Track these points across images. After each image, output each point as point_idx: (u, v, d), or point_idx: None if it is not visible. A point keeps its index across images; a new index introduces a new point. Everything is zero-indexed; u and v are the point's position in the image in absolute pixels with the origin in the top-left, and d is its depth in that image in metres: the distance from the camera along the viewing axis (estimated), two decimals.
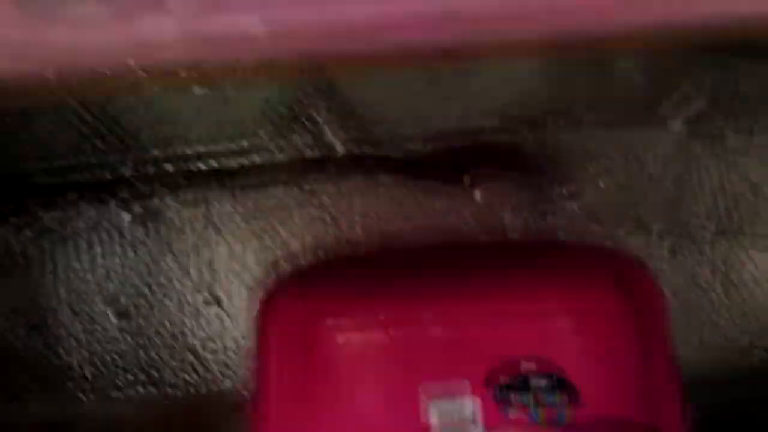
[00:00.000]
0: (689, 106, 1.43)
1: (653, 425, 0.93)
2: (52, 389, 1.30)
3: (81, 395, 1.30)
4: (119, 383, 1.33)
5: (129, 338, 1.34)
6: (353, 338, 0.93)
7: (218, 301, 1.37)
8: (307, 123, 1.40)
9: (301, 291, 1.03)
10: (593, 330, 0.93)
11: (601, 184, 1.42)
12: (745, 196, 1.44)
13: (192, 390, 1.34)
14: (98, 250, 1.35)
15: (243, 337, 1.36)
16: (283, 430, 0.96)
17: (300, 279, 1.18)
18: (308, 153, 1.40)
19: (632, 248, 1.40)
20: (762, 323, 1.44)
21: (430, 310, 0.94)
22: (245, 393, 1.36)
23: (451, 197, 1.41)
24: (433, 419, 0.87)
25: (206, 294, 1.37)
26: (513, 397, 0.87)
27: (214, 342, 1.36)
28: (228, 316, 1.37)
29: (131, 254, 1.36)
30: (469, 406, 0.87)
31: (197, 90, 1.34)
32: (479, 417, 0.86)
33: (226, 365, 1.36)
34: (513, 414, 0.87)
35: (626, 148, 1.43)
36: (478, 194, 1.43)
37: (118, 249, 1.36)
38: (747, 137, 1.43)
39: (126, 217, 1.35)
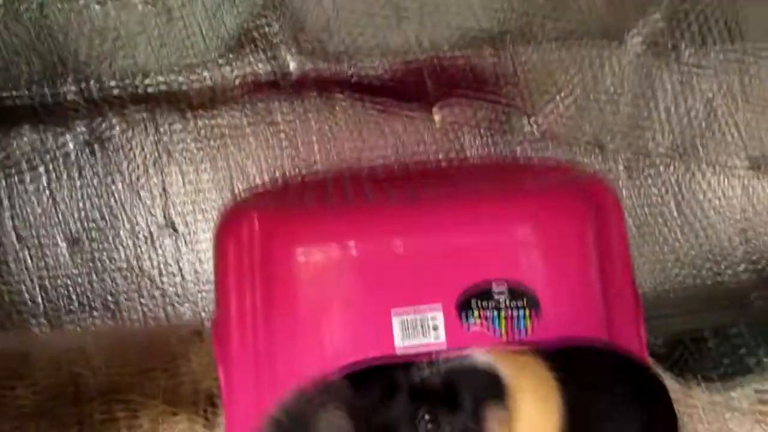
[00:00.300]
0: (646, 21, 1.42)
1: (611, 335, 0.95)
2: (3, 318, 1.26)
3: (33, 323, 1.27)
4: (73, 311, 1.29)
5: (81, 265, 1.30)
6: (316, 257, 0.91)
7: (173, 226, 1.34)
8: (258, 39, 1.35)
9: (262, 211, 1.00)
10: (555, 244, 0.93)
11: (559, 103, 1.42)
12: (698, 112, 1.46)
13: (150, 317, 1.32)
14: (43, 174, 1.29)
15: (201, 263, 1.34)
16: (247, 350, 0.95)
17: (260, 199, 1.15)
18: (261, 71, 1.35)
19: (588, 167, 1.41)
20: (712, 240, 1.47)
21: (392, 227, 0.92)
22: (205, 319, 1.35)
23: (409, 117, 1.39)
24: (396, 331, 0.87)
25: (160, 219, 1.34)
26: (476, 308, 0.87)
27: (171, 268, 1.33)
28: (184, 241, 1.33)
29: (78, 178, 1.30)
30: (432, 318, 0.87)
31: (140, 4, 1.27)
32: (442, 328, 0.87)
33: (185, 291, 1.33)
34: (475, 325, 0.87)
35: (584, 64, 1.42)
36: (437, 114, 1.41)
37: (64, 173, 1.30)
38: (702, 51, 1.43)
39: (70, 139, 1.29)
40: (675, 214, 1.46)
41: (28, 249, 1.28)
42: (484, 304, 0.88)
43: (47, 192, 1.29)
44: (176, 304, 1.32)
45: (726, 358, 1.37)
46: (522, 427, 0.72)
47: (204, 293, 1.33)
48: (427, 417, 0.71)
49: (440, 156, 1.37)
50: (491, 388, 0.72)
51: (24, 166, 1.28)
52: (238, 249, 0.94)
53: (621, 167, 1.44)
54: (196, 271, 1.33)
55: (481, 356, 0.75)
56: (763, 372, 1.26)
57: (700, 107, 1.45)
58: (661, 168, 1.45)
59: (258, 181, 1.33)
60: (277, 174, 1.33)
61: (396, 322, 0.87)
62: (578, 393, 0.76)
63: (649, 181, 1.45)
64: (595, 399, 0.77)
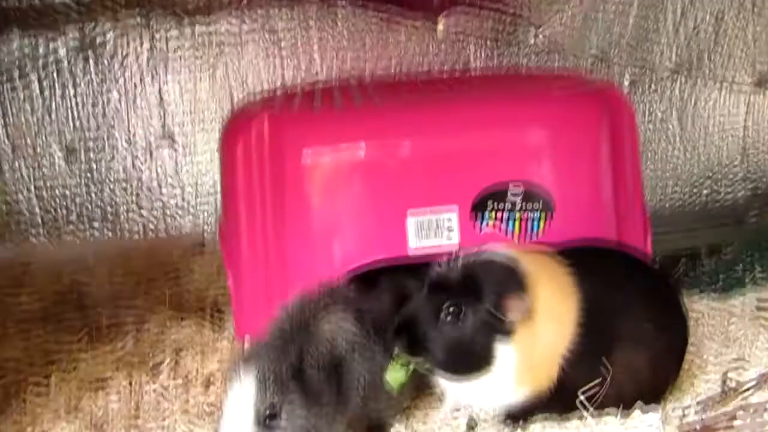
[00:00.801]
0: None
1: (620, 238, 0.95)
2: (1, 228, 1.24)
3: (32, 234, 1.25)
4: (72, 222, 1.27)
5: (79, 176, 1.27)
6: (328, 158, 0.89)
7: (172, 138, 1.30)
8: None
9: (272, 112, 0.97)
10: (570, 147, 0.92)
11: (567, 13, 1.37)
12: (707, 26, 1.43)
13: (151, 229, 1.30)
14: (35, 82, 1.24)
15: (201, 175, 1.31)
16: (257, 254, 0.93)
17: (268, 102, 1.12)
18: None
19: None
20: (713, 158, 1.47)
21: (406, 128, 0.90)
22: (207, 231, 1.34)
23: (413, 27, 1.34)
24: (411, 232, 0.86)
25: (158, 130, 1.30)
26: (491, 210, 0.86)
27: (170, 180, 1.30)
28: (183, 153, 1.30)
29: (72, 87, 1.25)
30: (446, 218, 0.86)
31: None
32: (456, 229, 0.86)
33: (185, 204, 1.31)
34: (489, 227, 0.87)
35: None
36: (441, 24, 1.37)
37: (57, 81, 1.25)
38: None
39: (62, 45, 1.24)
40: (678, 131, 1.44)
41: (24, 159, 1.25)
42: (500, 205, 0.87)
43: (40, 101, 1.25)
44: (177, 217, 1.30)
45: (722, 274, 1.38)
46: (542, 318, 0.72)
47: (205, 206, 1.31)
48: (450, 308, 0.71)
49: (444, 68, 1.34)
50: (511, 280, 0.72)
51: (15, 73, 1.24)
52: (247, 151, 0.92)
53: (626, 82, 1.41)
54: (196, 184, 1.31)
55: (499, 251, 0.75)
56: (758, 286, 1.27)
57: (710, 20, 1.42)
58: (667, 84, 1.43)
59: (258, 91, 1.29)
60: (278, 85, 1.30)
61: (411, 224, 0.86)
62: (594, 288, 0.76)
63: (655, 97, 1.43)
64: (610, 295, 0.77)
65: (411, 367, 0.72)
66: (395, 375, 0.72)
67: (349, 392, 0.72)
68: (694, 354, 0.92)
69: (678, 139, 1.46)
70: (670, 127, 1.45)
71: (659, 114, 1.44)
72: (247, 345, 0.90)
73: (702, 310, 1.11)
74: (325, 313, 0.75)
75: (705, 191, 1.48)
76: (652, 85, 1.43)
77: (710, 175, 1.47)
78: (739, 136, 1.48)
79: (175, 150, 1.30)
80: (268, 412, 0.68)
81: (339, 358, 0.73)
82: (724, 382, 0.86)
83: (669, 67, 1.43)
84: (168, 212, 1.30)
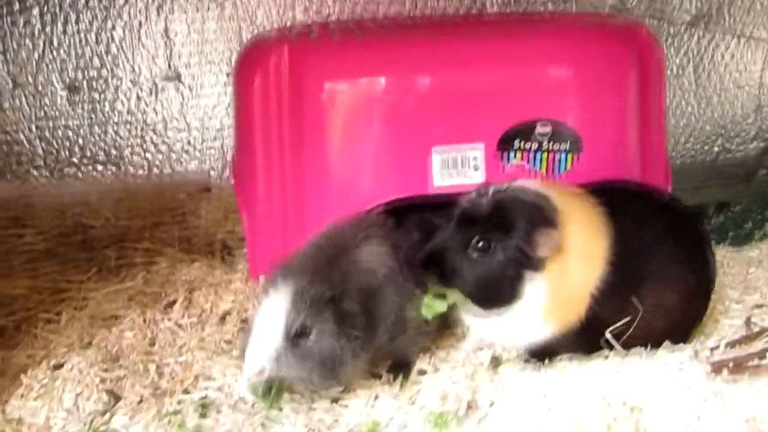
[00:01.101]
0: None
1: (643, 179, 0.93)
2: (2, 166, 1.20)
3: (34, 173, 1.21)
4: (75, 162, 1.23)
5: (82, 115, 1.23)
6: (351, 91, 0.85)
7: (178, 76, 1.26)
8: None
9: (292, 42, 0.93)
10: (597, 83, 0.89)
11: None
12: None
13: (156, 171, 1.26)
14: (36, 15, 1.19)
15: (208, 117, 1.27)
16: (273, 191, 0.90)
17: (285, 33, 1.07)
18: None
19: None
20: (727, 114, 1.44)
21: (429, 64, 0.86)
22: (213, 174, 1.30)
23: None
24: (435, 170, 0.83)
25: (164, 69, 1.25)
26: (518, 147, 0.84)
27: (176, 120, 1.26)
28: (190, 92, 1.26)
29: (75, 21, 1.21)
30: (472, 155, 0.83)
31: None
32: (482, 167, 0.83)
33: (191, 146, 1.28)
34: (515, 164, 0.84)
35: None
36: None
37: (59, 15, 1.20)
38: None
39: None
40: (693, 84, 1.42)
41: (25, 96, 1.21)
42: (527, 144, 0.84)
43: (42, 35, 1.20)
44: (183, 159, 1.27)
45: (731, 230, 1.37)
46: (572, 254, 0.71)
47: (211, 148, 1.27)
48: (479, 241, 0.69)
49: (460, 12, 1.30)
50: (542, 215, 0.70)
51: (16, 5, 1.19)
52: (265, 83, 0.88)
53: None
54: (203, 125, 1.27)
55: (530, 185, 0.72)
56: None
57: None
58: (685, 36, 1.40)
59: (268, 31, 1.25)
60: (289, 24, 1.25)
61: (435, 161, 0.83)
62: (624, 225, 0.75)
63: (671, 49, 1.40)
64: (640, 233, 0.76)
65: (449, 299, 0.70)
66: (432, 306, 0.70)
67: (378, 325, 0.71)
68: (716, 300, 0.91)
69: (693, 92, 1.43)
70: (686, 80, 1.43)
71: (675, 67, 1.42)
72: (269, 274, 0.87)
73: (721, 259, 1.09)
74: (365, 242, 0.74)
75: (717, 146, 1.46)
76: (669, 38, 1.40)
77: (723, 130, 1.45)
78: (754, 92, 1.46)
79: (181, 89, 1.26)
80: (299, 329, 0.67)
81: (374, 289, 0.72)
82: (747, 324, 0.85)
83: (687, 19, 1.40)
84: (173, 153, 1.27)
